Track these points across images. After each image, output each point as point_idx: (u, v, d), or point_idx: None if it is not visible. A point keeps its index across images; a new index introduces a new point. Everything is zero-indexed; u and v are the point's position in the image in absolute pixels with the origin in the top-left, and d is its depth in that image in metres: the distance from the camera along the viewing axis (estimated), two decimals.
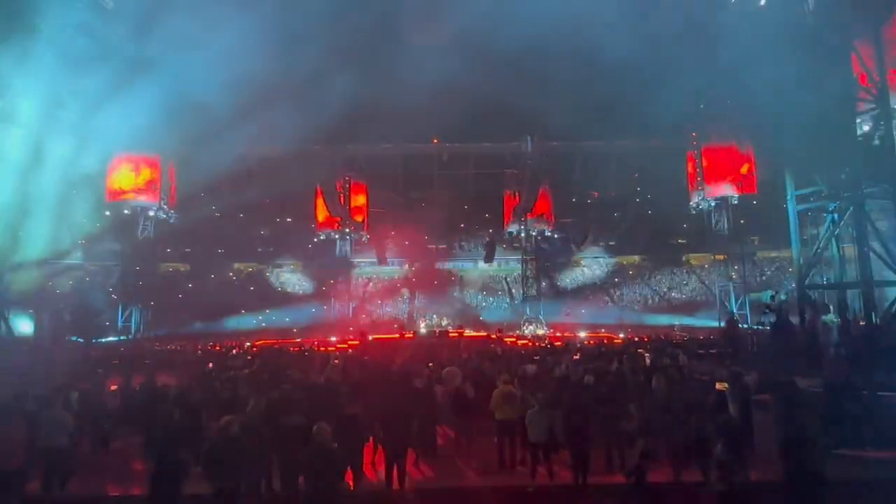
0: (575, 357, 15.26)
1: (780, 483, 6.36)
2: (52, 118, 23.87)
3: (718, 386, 9.61)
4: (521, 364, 14.72)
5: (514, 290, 41.26)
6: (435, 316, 35.72)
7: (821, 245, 19.59)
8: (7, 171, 21.98)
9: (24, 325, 24.15)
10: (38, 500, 8.68)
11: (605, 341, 26.17)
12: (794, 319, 18.93)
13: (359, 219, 41.92)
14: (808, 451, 6.27)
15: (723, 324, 33.97)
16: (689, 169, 38.18)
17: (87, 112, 25.78)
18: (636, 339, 26.97)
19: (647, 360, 14.85)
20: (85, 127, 26.08)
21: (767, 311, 23.30)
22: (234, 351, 24.04)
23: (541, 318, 36.90)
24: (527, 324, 36.08)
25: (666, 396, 10.46)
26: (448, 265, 41.06)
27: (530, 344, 26.37)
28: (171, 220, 36.22)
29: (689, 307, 37.45)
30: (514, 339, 28.54)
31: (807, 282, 19.79)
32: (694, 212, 38.67)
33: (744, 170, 36.34)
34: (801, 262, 20.15)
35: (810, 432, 6.47)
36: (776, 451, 6.43)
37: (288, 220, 43.37)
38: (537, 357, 17.10)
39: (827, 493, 6.31)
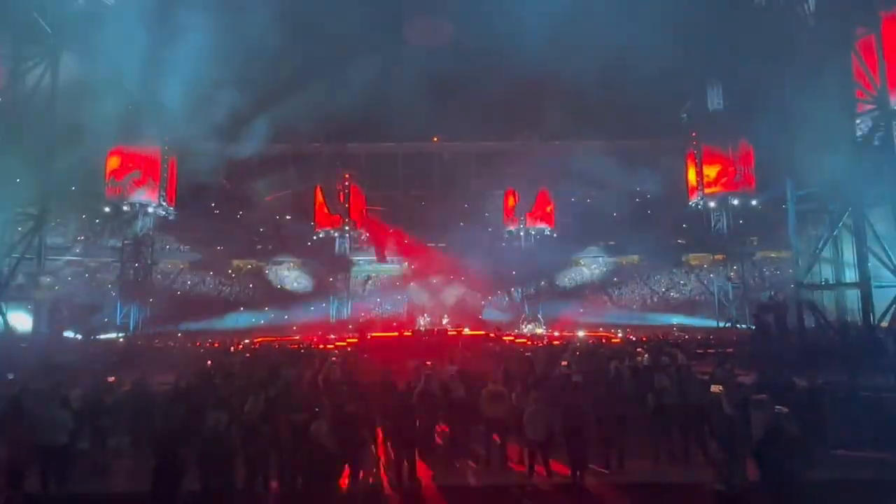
0: (564, 364, 15.17)
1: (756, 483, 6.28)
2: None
3: (714, 389, 9.62)
4: (518, 362, 14.72)
5: (513, 289, 41.27)
6: (434, 314, 35.74)
7: (819, 246, 19.59)
8: None
9: (20, 320, 24.08)
10: (36, 497, 8.67)
11: (604, 341, 26.16)
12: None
13: (358, 217, 41.94)
14: (782, 451, 6.22)
15: (723, 324, 34.17)
16: (689, 168, 38.18)
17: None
18: (634, 338, 26.97)
19: (646, 360, 14.84)
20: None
21: (765, 310, 23.36)
22: (232, 348, 24.02)
23: (539, 316, 36.92)
24: (525, 322, 36.10)
25: (664, 396, 10.46)
26: (447, 263, 41.00)
27: (529, 342, 26.36)
28: (171, 217, 36.22)
29: (687, 307, 37.44)
30: (512, 338, 28.54)
31: (805, 282, 19.80)
32: (693, 211, 38.67)
33: (743, 170, 36.33)
34: (800, 262, 20.16)
35: (786, 432, 6.42)
36: (751, 451, 6.37)
37: (287, 217, 43.39)
38: (529, 354, 17.08)
39: (800, 495, 6.24)
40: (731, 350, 20.56)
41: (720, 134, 35.84)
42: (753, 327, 24.12)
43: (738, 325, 33.08)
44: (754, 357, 16.94)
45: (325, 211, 40.79)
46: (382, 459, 10.19)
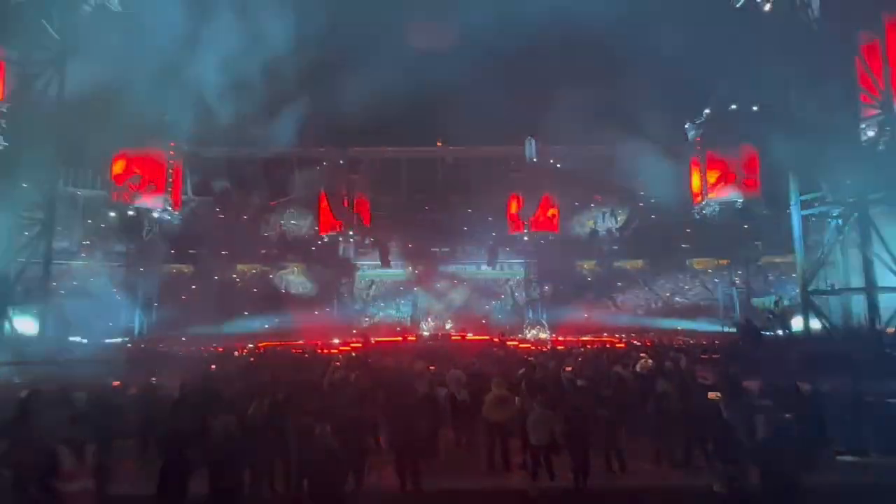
0: (567, 368, 15.18)
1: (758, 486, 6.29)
2: None
3: (711, 395, 9.63)
4: (520, 366, 14.72)
5: (517, 294, 41.22)
6: (438, 319, 35.75)
7: (825, 250, 19.54)
8: None
9: (26, 325, 24.17)
10: (39, 500, 8.71)
11: (608, 345, 26.14)
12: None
13: (362, 221, 41.97)
14: (784, 455, 6.23)
15: (727, 329, 34.00)
16: (693, 173, 38.10)
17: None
18: (639, 343, 26.92)
19: (650, 365, 14.84)
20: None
21: (772, 316, 23.31)
22: (236, 353, 24.09)
23: (543, 321, 36.87)
24: (529, 327, 36.06)
25: (667, 400, 10.47)
26: (451, 268, 41.00)
27: (532, 347, 26.36)
28: (176, 222, 36.39)
29: (692, 312, 37.32)
30: (516, 343, 28.53)
31: (811, 287, 19.75)
32: (698, 216, 38.55)
33: (748, 174, 36.25)
34: (805, 267, 20.11)
35: (788, 436, 6.43)
36: (753, 455, 6.39)
37: (292, 222, 43.45)
38: (531, 358, 17.08)
39: (802, 499, 6.24)
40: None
41: (724, 139, 35.80)
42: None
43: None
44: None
45: (330, 215, 40.86)
46: (386, 463, 10.21)
